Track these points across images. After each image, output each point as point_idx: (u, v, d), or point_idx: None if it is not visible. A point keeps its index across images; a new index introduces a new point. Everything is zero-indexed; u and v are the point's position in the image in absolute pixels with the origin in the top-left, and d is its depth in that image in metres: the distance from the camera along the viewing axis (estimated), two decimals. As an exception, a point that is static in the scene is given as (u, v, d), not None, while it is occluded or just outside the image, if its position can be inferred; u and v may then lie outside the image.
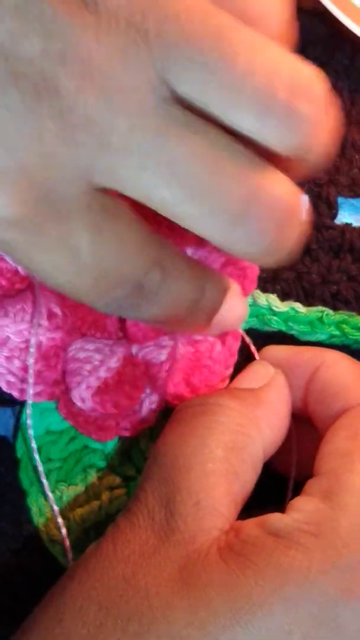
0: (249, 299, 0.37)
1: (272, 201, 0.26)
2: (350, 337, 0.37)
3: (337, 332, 0.37)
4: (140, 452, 0.37)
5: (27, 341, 0.34)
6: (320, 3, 0.39)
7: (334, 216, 0.38)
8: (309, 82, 0.26)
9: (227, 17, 0.26)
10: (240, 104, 0.26)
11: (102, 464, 0.37)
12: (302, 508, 0.29)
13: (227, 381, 0.36)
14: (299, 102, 0.26)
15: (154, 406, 0.36)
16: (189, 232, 0.27)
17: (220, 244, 0.27)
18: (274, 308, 0.37)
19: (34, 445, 0.36)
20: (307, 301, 0.37)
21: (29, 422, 0.35)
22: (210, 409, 0.32)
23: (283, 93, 0.25)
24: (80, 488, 0.37)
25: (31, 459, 0.36)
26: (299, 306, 0.37)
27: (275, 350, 0.36)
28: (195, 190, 0.26)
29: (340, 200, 0.38)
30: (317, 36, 0.39)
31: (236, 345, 0.36)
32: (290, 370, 0.35)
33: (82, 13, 0.25)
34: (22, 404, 0.36)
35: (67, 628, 0.28)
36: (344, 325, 0.37)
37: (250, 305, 0.37)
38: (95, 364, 0.34)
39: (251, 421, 0.32)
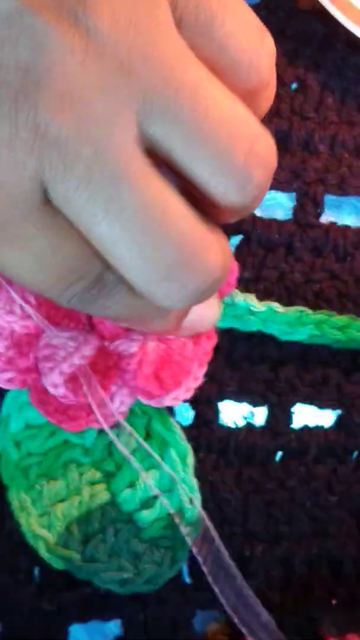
0: (228, 299, 0.37)
1: (203, 269, 0.27)
2: (330, 337, 0.37)
3: (316, 332, 0.37)
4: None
5: (-1, 328, 0.34)
6: (318, 3, 0.38)
7: (319, 215, 0.37)
8: (267, 151, 0.27)
9: (205, 72, 0.27)
10: (201, 158, 0.27)
11: (82, 458, 0.37)
12: None
13: (199, 380, 0.36)
14: (254, 169, 0.27)
15: (124, 399, 0.35)
16: None
17: (144, 293, 0.28)
18: (252, 308, 0.36)
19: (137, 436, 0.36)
20: (290, 300, 0.37)
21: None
22: None
23: (242, 157, 0.27)
24: (61, 483, 0.37)
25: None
26: (277, 306, 0.36)
27: None
28: (134, 239, 0.26)
29: (340, 199, 0.38)
30: (310, 35, 0.39)
31: (211, 344, 0.36)
32: None
33: (72, 34, 0.25)
34: (0, 396, 0.36)
35: None
36: (323, 325, 0.37)
37: (229, 304, 0.37)
38: (69, 351, 0.34)
39: None
